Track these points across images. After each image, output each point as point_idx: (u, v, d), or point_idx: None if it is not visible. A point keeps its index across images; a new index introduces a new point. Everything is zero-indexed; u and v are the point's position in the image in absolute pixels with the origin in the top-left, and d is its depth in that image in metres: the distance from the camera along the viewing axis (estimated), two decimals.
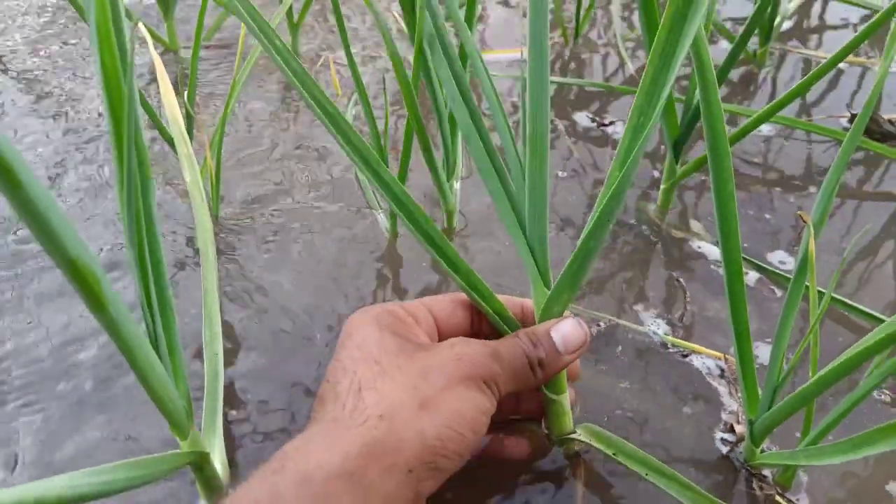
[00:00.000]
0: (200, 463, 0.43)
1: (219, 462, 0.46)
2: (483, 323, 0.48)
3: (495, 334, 0.47)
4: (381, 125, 0.67)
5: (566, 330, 0.44)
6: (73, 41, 0.98)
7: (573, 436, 0.47)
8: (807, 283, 0.46)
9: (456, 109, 0.47)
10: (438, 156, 0.64)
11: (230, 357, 0.57)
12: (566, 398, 0.46)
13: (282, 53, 0.45)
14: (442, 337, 0.46)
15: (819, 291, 0.58)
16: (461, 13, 0.50)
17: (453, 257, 0.45)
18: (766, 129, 0.85)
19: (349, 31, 0.99)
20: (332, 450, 0.36)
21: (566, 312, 0.46)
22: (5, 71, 0.91)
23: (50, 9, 1.05)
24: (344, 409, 0.38)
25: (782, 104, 0.61)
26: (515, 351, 0.43)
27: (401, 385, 0.39)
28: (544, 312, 0.45)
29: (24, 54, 0.94)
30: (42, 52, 0.94)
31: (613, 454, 0.46)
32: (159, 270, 0.38)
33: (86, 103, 0.85)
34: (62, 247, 0.28)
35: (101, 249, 0.66)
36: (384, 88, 0.65)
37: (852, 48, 0.59)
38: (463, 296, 0.47)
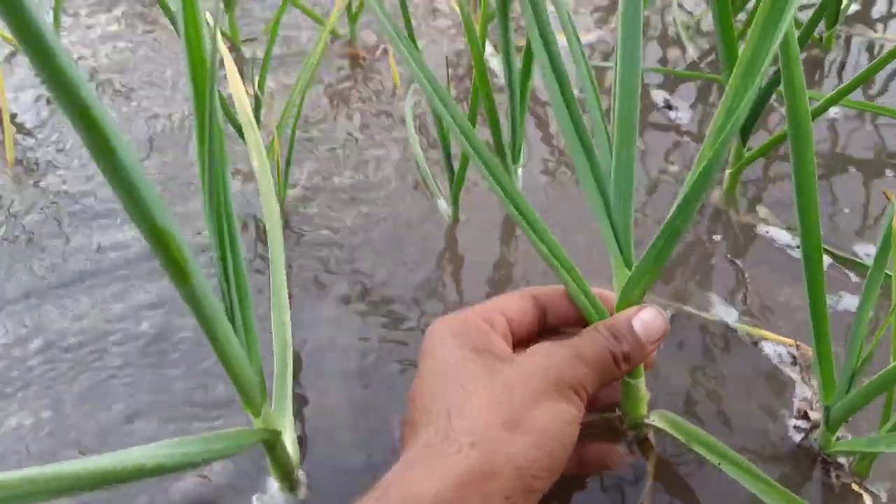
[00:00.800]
0: (272, 441, 0.43)
1: (289, 441, 0.46)
2: (552, 317, 0.47)
3: (570, 324, 0.47)
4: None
5: (647, 318, 0.43)
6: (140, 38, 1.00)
7: (647, 421, 0.47)
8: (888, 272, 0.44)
9: (546, 78, 0.47)
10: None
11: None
12: (643, 382, 0.46)
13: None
14: (515, 337, 0.45)
15: None
16: None
17: (539, 229, 0.45)
18: (833, 112, 0.83)
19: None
20: (430, 479, 0.36)
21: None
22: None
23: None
24: (437, 435, 0.38)
25: (853, 86, 0.59)
26: (599, 349, 0.42)
27: (487, 408, 0.39)
28: (624, 293, 0.44)
29: (95, 53, 0.96)
30: (113, 50, 0.96)
31: (687, 441, 0.45)
32: (235, 248, 0.38)
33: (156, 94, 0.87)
34: (149, 215, 0.29)
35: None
36: (448, 72, 0.66)
37: None
38: (529, 291, 0.47)
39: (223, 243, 0.37)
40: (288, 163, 0.67)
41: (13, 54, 0.94)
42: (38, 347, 0.57)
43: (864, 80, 0.59)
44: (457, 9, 1.01)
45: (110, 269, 0.64)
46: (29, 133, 0.81)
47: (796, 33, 0.64)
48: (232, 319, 0.38)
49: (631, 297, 0.44)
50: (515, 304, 0.46)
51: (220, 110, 0.36)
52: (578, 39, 0.48)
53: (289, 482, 0.47)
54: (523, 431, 0.38)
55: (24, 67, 0.92)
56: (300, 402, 0.53)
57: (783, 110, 0.46)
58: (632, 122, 0.42)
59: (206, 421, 0.52)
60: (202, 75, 0.34)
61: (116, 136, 0.26)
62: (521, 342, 0.45)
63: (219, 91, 0.66)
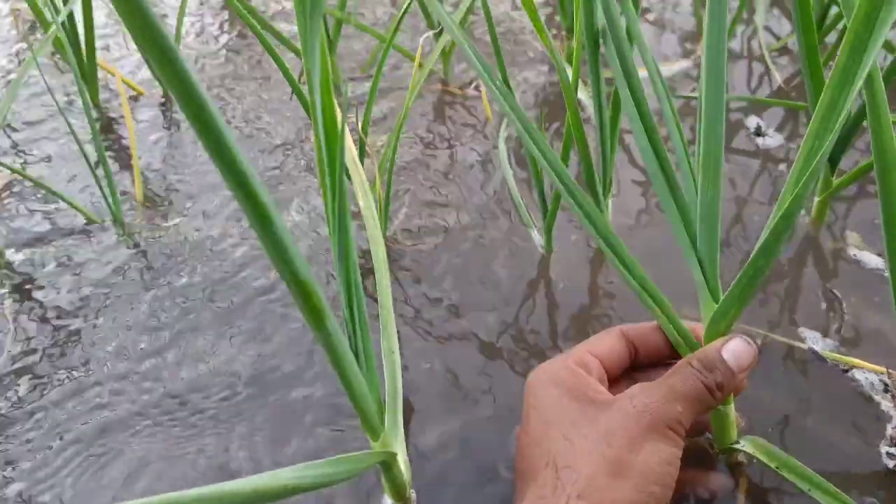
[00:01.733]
0: (389, 462, 0.48)
1: (402, 461, 0.50)
2: (643, 353, 0.50)
3: (662, 358, 0.50)
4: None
5: (735, 348, 0.45)
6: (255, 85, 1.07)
7: (737, 447, 0.49)
8: None
9: (630, 117, 0.50)
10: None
11: None
12: (732, 408, 0.48)
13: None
14: (609, 375, 0.48)
15: None
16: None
17: (629, 264, 0.48)
18: None
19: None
20: None
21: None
22: None
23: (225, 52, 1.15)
24: (545, 486, 0.41)
25: None
26: (692, 382, 0.44)
27: (591, 458, 0.41)
28: (711, 326, 0.46)
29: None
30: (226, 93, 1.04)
31: (777, 468, 0.47)
32: (358, 289, 0.43)
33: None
34: (295, 271, 0.34)
35: None
36: (541, 112, 0.69)
37: None
38: (619, 329, 0.50)
39: (350, 289, 0.41)
40: (387, 200, 0.72)
41: (136, 98, 1.02)
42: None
43: None
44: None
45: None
46: (154, 172, 0.88)
47: (885, 60, 0.65)
48: (356, 353, 0.43)
49: (718, 330, 0.46)
50: (607, 345, 0.49)
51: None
52: (661, 77, 0.52)
53: (402, 501, 0.51)
54: (626, 477, 0.41)
55: (147, 111, 1.00)
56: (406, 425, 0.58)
57: None
58: (717, 156, 0.45)
59: None
60: (334, 140, 0.38)
61: (273, 210, 0.31)
62: (613, 379, 0.49)
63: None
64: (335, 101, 0.37)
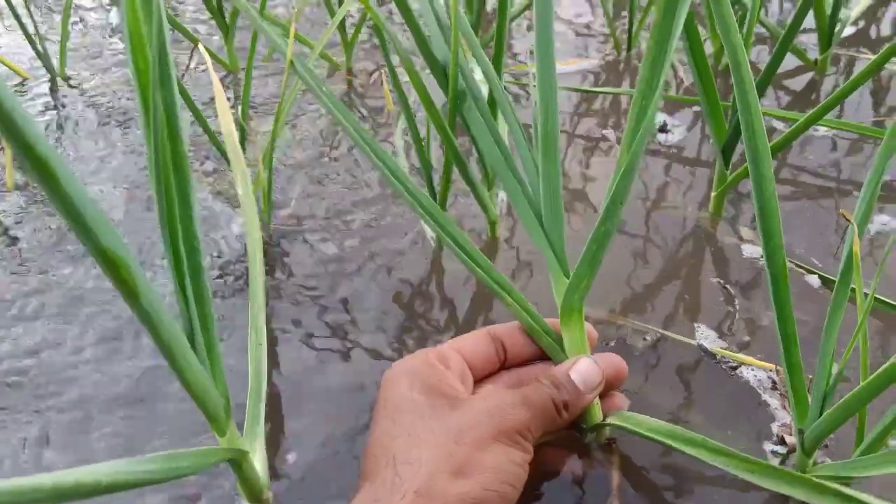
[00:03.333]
0: (239, 461, 0.44)
1: (259, 462, 0.46)
2: (508, 353, 0.49)
3: (528, 359, 0.49)
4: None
5: (583, 369, 0.45)
6: None
7: (605, 422, 0.48)
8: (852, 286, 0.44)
9: (470, 117, 0.50)
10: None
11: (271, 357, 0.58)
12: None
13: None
14: (476, 374, 0.47)
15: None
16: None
17: (495, 276, 0.49)
18: (826, 134, 0.83)
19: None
20: None
21: (589, 328, 0.48)
22: (80, 92, 0.96)
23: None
24: (384, 485, 0.39)
25: (828, 108, 0.60)
26: (542, 396, 0.44)
27: (435, 453, 0.40)
28: (565, 300, 0.46)
29: (91, 77, 0.99)
30: (107, 76, 0.99)
31: (645, 432, 0.46)
32: (196, 262, 0.39)
33: None
34: (94, 237, 0.30)
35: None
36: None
37: None
38: (488, 329, 0.49)
39: (177, 253, 0.37)
40: (269, 185, 0.68)
41: (23, 83, 0.97)
42: None
43: (837, 102, 0.60)
44: None
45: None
46: None
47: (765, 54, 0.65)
48: (192, 339, 0.39)
49: (572, 303, 0.46)
50: (471, 343, 0.47)
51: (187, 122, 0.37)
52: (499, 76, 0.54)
53: (258, 503, 0.47)
54: (471, 475, 0.39)
55: (34, 95, 0.95)
56: (279, 430, 0.54)
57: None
58: (553, 141, 0.46)
59: None
60: (146, 80, 0.34)
61: (60, 164, 0.27)
62: (482, 380, 0.47)
63: (203, 119, 0.68)
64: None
